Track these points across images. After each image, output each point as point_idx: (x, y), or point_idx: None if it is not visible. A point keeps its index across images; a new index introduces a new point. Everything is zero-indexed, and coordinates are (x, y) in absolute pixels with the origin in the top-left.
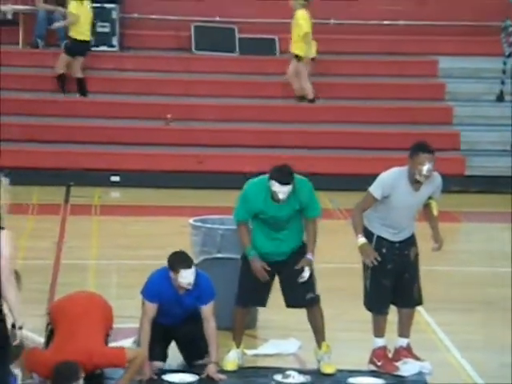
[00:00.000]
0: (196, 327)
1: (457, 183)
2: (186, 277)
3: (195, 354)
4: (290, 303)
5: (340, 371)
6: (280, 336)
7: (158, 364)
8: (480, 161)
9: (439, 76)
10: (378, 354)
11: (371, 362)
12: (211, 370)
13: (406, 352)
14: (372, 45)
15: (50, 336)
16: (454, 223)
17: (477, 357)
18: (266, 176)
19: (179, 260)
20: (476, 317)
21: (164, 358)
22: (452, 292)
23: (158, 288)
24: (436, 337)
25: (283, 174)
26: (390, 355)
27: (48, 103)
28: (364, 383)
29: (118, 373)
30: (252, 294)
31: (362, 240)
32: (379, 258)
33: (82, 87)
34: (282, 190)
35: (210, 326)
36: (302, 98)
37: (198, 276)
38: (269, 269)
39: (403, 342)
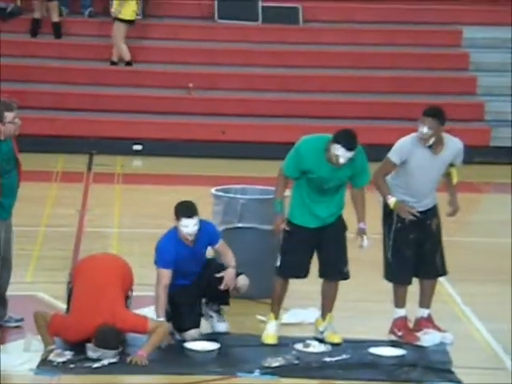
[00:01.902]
0: (215, 272)
1: (481, 154)
2: (187, 226)
3: (221, 297)
4: (326, 274)
5: (361, 341)
6: (300, 306)
7: (193, 333)
8: (505, 131)
9: (463, 46)
10: (399, 324)
11: (391, 332)
12: (230, 273)
13: (427, 322)
14: (396, 13)
15: (70, 295)
16: (478, 194)
17: (499, 328)
18: (324, 135)
19: (182, 208)
20: (498, 288)
21: (198, 323)
22: (474, 263)
23: (170, 252)
24: (458, 308)
25: (350, 140)
26: (411, 325)
27: (73, 71)
28: (385, 353)
29: (140, 340)
30: (294, 265)
31: (393, 199)
32: (416, 211)
33: (56, 30)
34: (345, 155)
35: (228, 254)
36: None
37: (202, 223)
38: (288, 229)
39: (424, 312)
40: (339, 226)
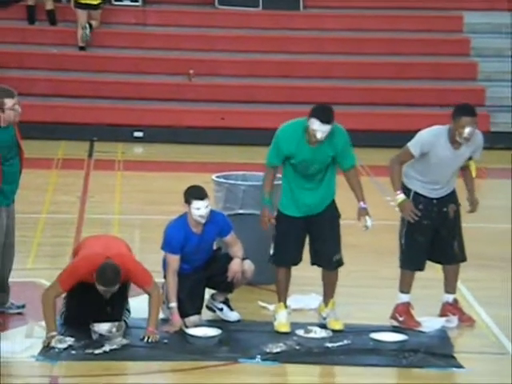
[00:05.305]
0: (221, 263)
1: None
2: (199, 208)
3: (225, 286)
4: (317, 262)
5: (362, 326)
6: (300, 292)
7: (194, 319)
8: (505, 117)
9: (464, 31)
10: (401, 309)
11: (393, 317)
12: (236, 264)
13: (452, 308)
14: None
15: None
16: (478, 179)
17: (500, 313)
18: (301, 119)
19: (192, 191)
20: (499, 273)
21: (199, 310)
22: (475, 248)
23: (178, 238)
24: (458, 293)
25: (325, 113)
26: (413, 312)
27: (73, 58)
28: (386, 339)
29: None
30: (289, 252)
31: (400, 197)
32: (419, 214)
33: (51, 18)
34: (321, 129)
35: (237, 246)
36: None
37: (213, 213)
38: (274, 223)
39: (449, 297)
40: (331, 213)
